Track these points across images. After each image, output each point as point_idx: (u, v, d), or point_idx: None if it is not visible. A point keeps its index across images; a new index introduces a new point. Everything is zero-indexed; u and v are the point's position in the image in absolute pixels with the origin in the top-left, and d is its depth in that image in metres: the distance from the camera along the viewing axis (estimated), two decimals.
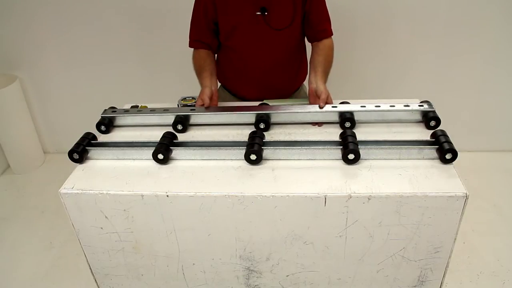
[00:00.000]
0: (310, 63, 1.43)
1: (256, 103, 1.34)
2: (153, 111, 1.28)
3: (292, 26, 1.40)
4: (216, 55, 1.56)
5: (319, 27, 1.42)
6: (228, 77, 1.57)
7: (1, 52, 2.51)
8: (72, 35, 2.41)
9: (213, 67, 1.44)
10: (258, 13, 1.35)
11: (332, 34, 1.45)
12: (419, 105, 1.19)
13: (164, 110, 1.27)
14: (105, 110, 1.31)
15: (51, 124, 2.83)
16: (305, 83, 1.60)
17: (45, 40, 2.44)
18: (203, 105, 1.28)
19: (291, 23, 1.38)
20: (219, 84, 1.63)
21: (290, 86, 1.60)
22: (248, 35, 1.40)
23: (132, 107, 1.40)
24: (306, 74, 1.58)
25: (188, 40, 1.47)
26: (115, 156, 1.15)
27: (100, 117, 1.28)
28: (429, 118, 1.18)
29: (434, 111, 1.18)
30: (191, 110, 1.27)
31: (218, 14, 1.38)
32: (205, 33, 1.43)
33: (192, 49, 1.49)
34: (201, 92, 1.33)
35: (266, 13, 1.35)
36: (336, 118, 1.23)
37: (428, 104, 1.18)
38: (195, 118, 1.27)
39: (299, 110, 1.23)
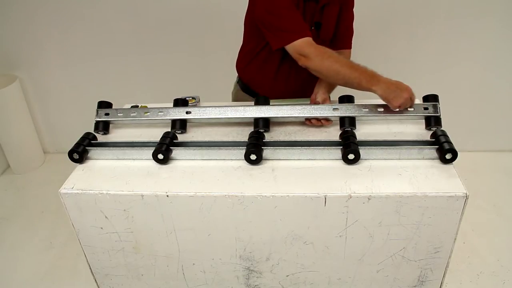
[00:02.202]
0: None
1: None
2: (147, 113, 1.26)
3: (334, 38, 1.43)
4: (243, 55, 1.54)
5: (342, 36, 1.45)
6: (260, 78, 1.54)
7: (1, 52, 2.51)
8: (72, 35, 2.41)
9: None
10: (312, 27, 1.36)
11: (350, 48, 1.48)
12: (424, 108, 1.18)
13: (159, 112, 1.26)
14: (98, 111, 1.28)
15: (51, 124, 2.83)
16: None
17: (45, 40, 2.44)
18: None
19: (334, 34, 1.42)
20: (237, 84, 1.61)
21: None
22: None
23: (132, 107, 1.40)
24: None
25: (293, 34, 1.24)
26: (115, 156, 1.15)
27: (95, 122, 1.28)
28: (429, 118, 1.18)
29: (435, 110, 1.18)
30: (187, 113, 1.25)
31: None
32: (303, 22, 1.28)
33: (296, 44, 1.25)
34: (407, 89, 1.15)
35: (319, 28, 1.37)
36: (336, 118, 1.24)
37: (433, 106, 1.18)
38: (193, 118, 1.27)
39: (299, 110, 1.23)
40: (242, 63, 1.55)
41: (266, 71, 1.48)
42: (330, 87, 1.38)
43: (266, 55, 1.43)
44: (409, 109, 1.18)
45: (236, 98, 1.64)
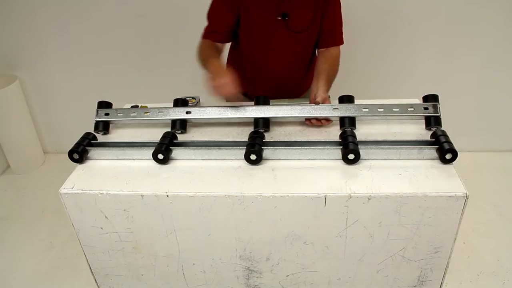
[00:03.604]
0: (314, 70, 1.43)
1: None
2: (147, 113, 1.26)
3: (311, 27, 1.41)
4: (228, 54, 1.58)
5: (330, 32, 1.43)
6: (240, 76, 1.56)
7: (1, 52, 2.51)
8: (72, 35, 2.41)
9: (221, 60, 1.44)
10: (278, 18, 1.36)
11: (342, 43, 1.46)
12: (424, 108, 1.18)
13: (159, 112, 1.25)
14: (98, 111, 1.28)
15: (51, 124, 2.83)
16: None
17: (45, 40, 2.44)
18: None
19: (311, 24, 1.40)
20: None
21: (300, 87, 1.61)
22: (267, 39, 1.41)
23: (132, 107, 1.40)
24: None
25: (203, 32, 1.45)
26: (115, 156, 1.15)
27: (95, 122, 1.28)
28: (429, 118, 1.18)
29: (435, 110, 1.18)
30: (187, 113, 1.25)
31: (240, 15, 1.39)
32: (222, 27, 1.42)
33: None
34: (222, 75, 1.20)
35: (286, 18, 1.36)
36: (336, 118, 1.24)
37: (433, 106, 1.18)
38: (193, 118, 1.27)
39: (299, 109, 1.23)
40: (227, 59, 1.62)
41: (238, 69, 1.50)
42: (329, 85, 1.37)
43: (235, 53, 1.51)
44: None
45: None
